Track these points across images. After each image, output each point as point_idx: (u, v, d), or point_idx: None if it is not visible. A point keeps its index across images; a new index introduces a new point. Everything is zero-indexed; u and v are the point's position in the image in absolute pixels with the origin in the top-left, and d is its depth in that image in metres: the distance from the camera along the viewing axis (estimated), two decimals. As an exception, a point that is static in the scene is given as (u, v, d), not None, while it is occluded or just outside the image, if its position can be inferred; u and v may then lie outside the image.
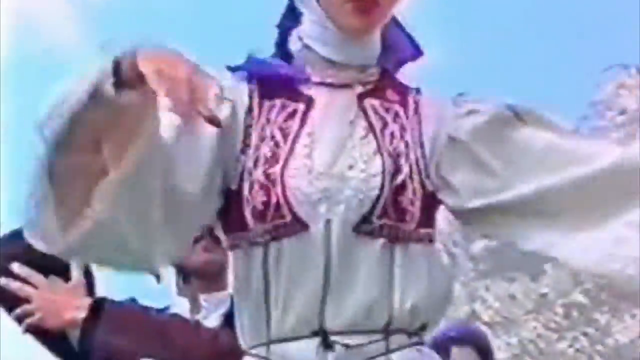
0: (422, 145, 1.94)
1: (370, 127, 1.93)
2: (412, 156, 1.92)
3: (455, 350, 4.27)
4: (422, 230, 1.90)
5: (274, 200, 1.85)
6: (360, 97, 1.94)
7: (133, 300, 2.75)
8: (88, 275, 2.70)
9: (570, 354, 18.32)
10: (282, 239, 1.85)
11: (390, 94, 1.97)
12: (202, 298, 2.74)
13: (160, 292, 2.80)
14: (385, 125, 1.94)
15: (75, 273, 2.68)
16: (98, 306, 2.65)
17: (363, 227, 1.87)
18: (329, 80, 1.93)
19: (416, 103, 1.97)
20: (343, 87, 1.94)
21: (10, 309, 2.66)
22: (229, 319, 2.53)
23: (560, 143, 1.94)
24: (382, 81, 1.97)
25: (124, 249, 1.79)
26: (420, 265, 1.89)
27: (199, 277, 2.76)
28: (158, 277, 2.66)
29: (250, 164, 1.87)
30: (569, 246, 1.89)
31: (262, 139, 1.88)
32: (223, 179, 1.86)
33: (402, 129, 1.94)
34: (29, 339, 2.72)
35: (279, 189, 1.85)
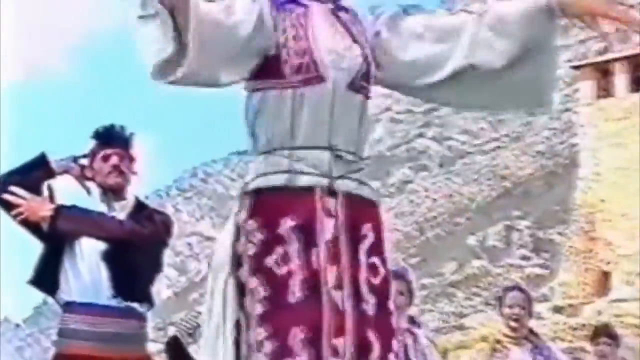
0: (366, 40, 2.53)
1: (345, 27, 2.52)
2: (367, 46, 2.51)
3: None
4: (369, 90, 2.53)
5: (306, 62, 2.38)
6: (333, 11, 2.54)
7: (75, 205, 4.06)
8: (51, 193, 4.04)
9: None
10: (306, 86, 2.37)
11: (342, 8, 2.57)
12: (115, 205, 4.10)
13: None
14: (351, 27, 2.52)
15: (45, 191, 4.02)
16: (59, 208, 3.97)
17: (352, 85, 2.44)
18: None
19: (355, 14, 2.59)
20: (320, 2, 2.53)
21: (10, 210, 3.96)
22: (130, 216, 4.10)
23: (434, 21, 2.52)
24: (335, 2, 2.56)
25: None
26: (369, 115, 2.49)
27: (112, 192, 4.13)
28: (88, 191, 4.13)
29: (282, 40, 2.40)
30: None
31: (285, 26, 2.42)
32: (261, 47, 2.40)
33: (358, 30, 2.53)
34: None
35: (310, 56, 2.39)
